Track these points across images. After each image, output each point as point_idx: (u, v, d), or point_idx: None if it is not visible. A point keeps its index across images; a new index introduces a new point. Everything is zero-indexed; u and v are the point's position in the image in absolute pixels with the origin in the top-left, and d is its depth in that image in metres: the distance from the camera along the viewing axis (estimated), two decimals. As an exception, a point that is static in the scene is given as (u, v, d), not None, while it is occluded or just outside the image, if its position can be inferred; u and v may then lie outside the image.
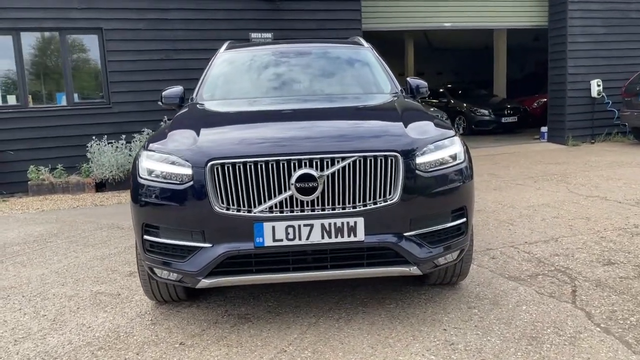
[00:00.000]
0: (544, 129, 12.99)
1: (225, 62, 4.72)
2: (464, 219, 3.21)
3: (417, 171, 2.98)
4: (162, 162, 3.04)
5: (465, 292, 3.68)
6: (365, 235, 2.91)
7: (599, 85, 11.86)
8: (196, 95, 4.39)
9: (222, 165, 2.87)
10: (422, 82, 4.63)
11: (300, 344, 3.00)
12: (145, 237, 3.09)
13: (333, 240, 2.88)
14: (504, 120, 15.29)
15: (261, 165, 2.85)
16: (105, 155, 8.51)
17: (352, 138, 3.03)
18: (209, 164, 2.87)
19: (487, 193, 7.07)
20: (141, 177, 3.09)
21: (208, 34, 9.44)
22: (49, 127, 8.97)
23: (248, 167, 2.86)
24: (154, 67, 9.33)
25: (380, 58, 4.80)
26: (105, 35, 9.10)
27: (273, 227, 2.85)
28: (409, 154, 2.98)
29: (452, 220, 3.17)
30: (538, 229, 5.19)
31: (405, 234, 2.98)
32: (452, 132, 3.32)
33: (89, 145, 8.68)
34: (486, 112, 15.41)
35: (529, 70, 23.31)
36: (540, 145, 12.57)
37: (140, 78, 9.25)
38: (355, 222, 2.88)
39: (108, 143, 8.71)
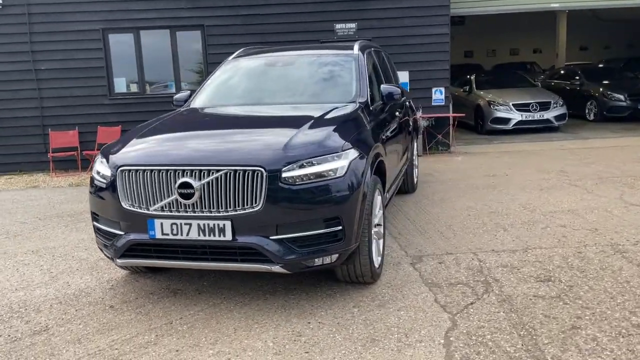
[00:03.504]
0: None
1: (224, 70, 5.44)
2: (340, 227, 3.58)
3: (281, 184, 3.43)
4: (102, 165, 3.90)
5: (369, 292, 4.01)
6: (235, 235, 3.47)
7: None
8: (191, 100, 5.19)
9: (129, 171, 3.63)
10: (395, 89, 4.90)
11: (187, 319, 3.69)
12: (94, 222, 3.99)
13: (207, 238, 3.49)
14: (641, 106, 13.73)
15: (154, 173, 3.55)
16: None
17: (231, 152, 3.59)
18: (119, 170, 3.66)
19: (527, 194, 6.86)
20: (93, 175, 3.99)
21: (295, 27, 10.18)
22: (161, 111, 10.46)
23: (145, 173, 3.58)
24: (247, 58, 10.34)
25: (362, 64, 5.06)
26: (207, 31, 10.34)
27: (161, 224, 3.55)
28: (275, 169, 3.44)
29: (326, 228, 3.56)
30: (525, 237, 5.12)
31: (271, 237, 3.47)
32: (340, 148, 3.66)
33: (188, 128, 10.05)
34: (621, 97, 13.95)
35: None
36: (667, 138, 11.22)
37: (235, 68, 10.34)
38: (224, 225, 3.46)
39: (203, 126, 9.99)
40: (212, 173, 3.46)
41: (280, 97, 4.91)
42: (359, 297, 3.92)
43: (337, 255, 3.63)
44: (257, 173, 3.43)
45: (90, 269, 4.77)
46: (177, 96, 5.39)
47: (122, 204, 3.64)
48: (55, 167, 10.22)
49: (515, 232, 5.29)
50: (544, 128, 12.72)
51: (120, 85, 10.62)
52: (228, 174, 3.44)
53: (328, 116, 4.20)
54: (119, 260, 3.77)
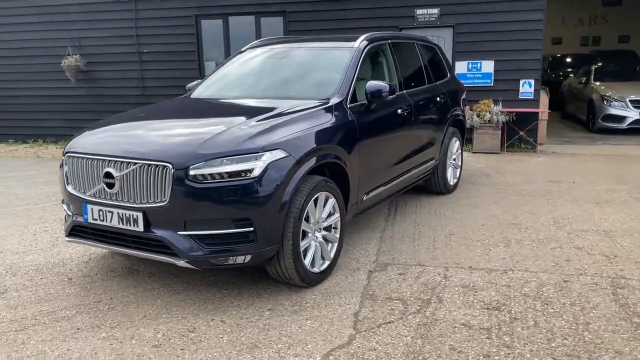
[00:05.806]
0: None
1: (230, 61, 5.55)
2: (251, 229, 3.54)
3: (188, 181, 3.47)
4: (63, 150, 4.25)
5: (299, 295, 3.90)
6: (151, 227, 3.60)
7: None
8: (193, 89, 5.38)
9: (71, 157, 3.92)
10: (384, 86, 4.61)
11: (116, 300, 3.91)
12: (62, 203, 4.38)
13: (124, 227, 3.67)
14: None
15: (88, 161, 3.80)
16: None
17: (148, 146, 3.70)
18: (65, 155, 3.97)
19: (575, 206, 6.07)
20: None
21: (374, 13, 9.94)
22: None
23: (82, 161, 3.84)
24: (326, 45, 10.33)
25: (355, 59, 4.83)
26: (288, 17, 10.51)
27: (92, 209, 3.79)
28: (183, 166, 3.48)
29: (236, 228, 3.54)
30: (519, 257, 4.58)
31: (179, 233, 3.54)
32: (261, 148, 3.59)
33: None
34: None
35: None
36: None
37: (314, 54, 10.39)
38: (137, 216, 3.60)
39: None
40: (130, 165, 3.61)
41: (261, 91, 4.90)
42: (283, 300, 3.85)
43: (250, 256, 3.60)
44: (166, 169, 3.50)
45: (88, 241, 5.21)
46: (189, 85, 5.61)
47: (68, 187, 3.95)
48: (149, 142, 11.20)
49: (515, 250, 4.75)
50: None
51: (210, 68, 11.23)
52: (142, 167, 3.57)
53: (281, 112, 4.12)
54: (67, 238, 4.11)
